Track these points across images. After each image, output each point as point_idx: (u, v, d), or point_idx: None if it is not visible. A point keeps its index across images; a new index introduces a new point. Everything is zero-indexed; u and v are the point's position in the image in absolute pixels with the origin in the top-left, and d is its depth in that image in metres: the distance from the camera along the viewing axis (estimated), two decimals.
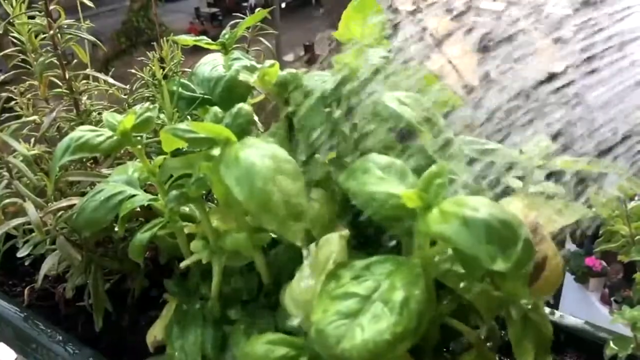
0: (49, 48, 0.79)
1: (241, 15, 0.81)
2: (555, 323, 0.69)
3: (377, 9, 0.62)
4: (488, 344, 0.56)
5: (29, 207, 0.66)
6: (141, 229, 0.61)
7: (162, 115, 0.73)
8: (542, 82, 0.50)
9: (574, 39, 0.48)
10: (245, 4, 10.44)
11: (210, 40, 0.77)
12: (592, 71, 0.47)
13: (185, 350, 0.59)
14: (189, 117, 0.75)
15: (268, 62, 0.65)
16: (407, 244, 0.52)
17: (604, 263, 3.61)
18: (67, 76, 0.80)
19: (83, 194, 0.67)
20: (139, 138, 0.63)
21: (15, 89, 0.80)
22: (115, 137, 0.61)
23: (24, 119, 0.79)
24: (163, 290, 0.67)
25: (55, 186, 0.70)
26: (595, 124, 0.46)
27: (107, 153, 0.73)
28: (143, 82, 0.85)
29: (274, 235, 0.58)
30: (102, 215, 0.61)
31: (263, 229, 0.56)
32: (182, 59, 0.86)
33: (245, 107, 0.59)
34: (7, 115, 0.78)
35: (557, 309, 0.74)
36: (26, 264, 0.76)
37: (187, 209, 0.65)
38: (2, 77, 0.76)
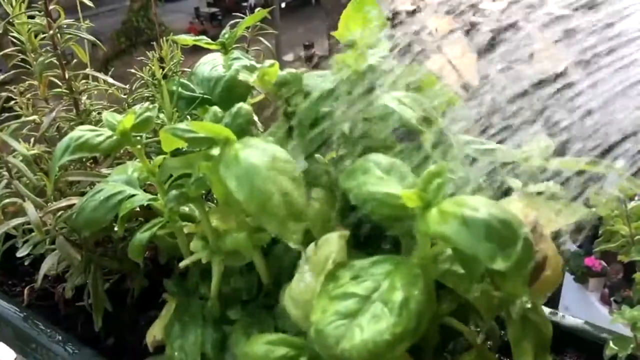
0: (48, 48, 0.79)
1: (241, 15, 0.80)
2: (555, 323, 0.69)
3: (376, 8, 0.62)
4: (488, 344, 0.56)
5: (29, 206, 0.66)
6: (141, 228, 0.61)
7: (161, 115, 0.73)
8: (542, 82, 0.50)
9: (574, 39, 0.48)
10: (245, 4, 10.43)
11: (209, 40, 0.77)
12: (592, 71, 0.47)
13: (185, 350, 0.59)
14: (188, 116, 0.75)
15: (268, 62, 0.65)
16: (406, 244, 0.52)
17: (603, 263, 3.60)
18: (66, 76, 0.80)
19: (83, 194, 0.67)
20: (138, 138, 0.63)
21: (14, 88, 0.80)
22: (114, 137, 0.61)
23: (23, 119, 0.79)
24: (163, 290, 0.67)
25: (54, 186, 0.70)
26: (595, 124, 0.46)
27: (107, 153, 0.73)
28: (143, 81, 0.85)
29: (273, 235, 0.58)
30: (102, 215, 0.61)
31: (263, 228, 0.56)
32: (182, 58, 0.86)
33: (244, 106, 0.59)
34: (6, 115, 0.79)
35: (556, 309, 0.74)
36: (26, 263, 0.76)
37: (186, 208, 0.65)
38: (2, 76, 0.76)
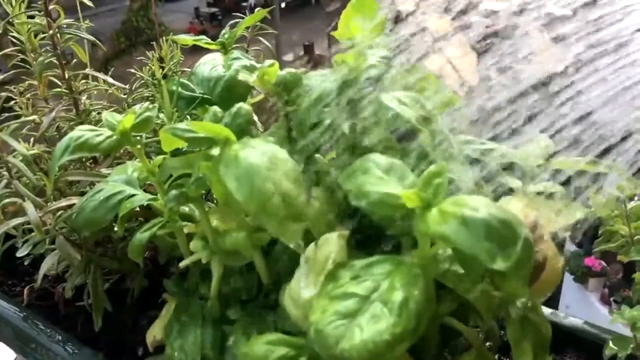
0: (48, 48, 0.79)
1: (241, 15, 0.80)
2: (555, 323, 0.69)
3: (376, 8, 0.62)
4: (487, 344, 0.56)
5: (29, 206, 0.66)
6: (140, 228, 0.61)
7: (161, 115, 0.73)
8: (541, 82, 0.50)
9: (574, 39, 0.48)
10: (244, 4, 10.43)
11: (209, 40, 0.77)
12: (592, 71, 0.47)
13: (185, 350, 0.59)
14: (188, 116, 0.75)
15: (267, 62, 0.65)
16: (406, 244, 0.52)
17: (603, 263, 3.60)
18: (66, 76, 0.80)
19: (82, 194, 0.67)
20: (138, 138, 0.63)
21: (14, 88, 0.80)
22: (114, 137, 0.61)
23: (23, 119, 0.79)
24: (163, 290, 0.67)
25: (54, 186, 0.70)
26: (595, 123, 0.46)
27: (107, 153, 0.73)
28: (142, 81, 0.85)
29: (273, 235, 0.58)
30: (102, 214, 0.61)
31: (262, 228, 0.56)
32: (182, 58, 0.86)
33: (244, 106, 0.59)
34: (6, 114, 0.79)
35: (556, 308, 0.74)
36: (25, 263, 0.76)
37: (186, 208, 0.65)
38: (2, 76, 0.76)
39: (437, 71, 0.60)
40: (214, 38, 0.78)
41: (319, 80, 0.61)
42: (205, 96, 0.70)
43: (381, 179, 0.50)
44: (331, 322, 0.42)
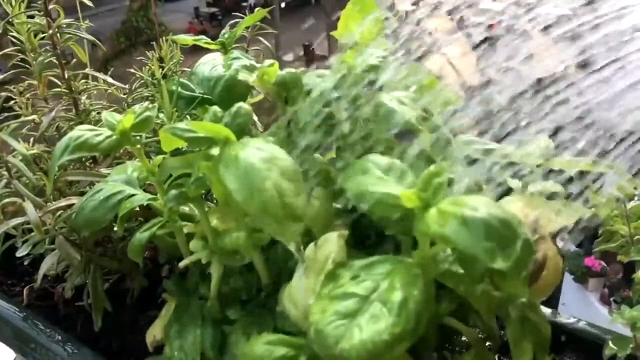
0: (48, 47, 0.79)
1: (240, 15, 0.80)
2: (554, 323, 0.69)
3: (376, 8, 0.62)
4: (487, 344, 0.56)
5: (28, 206, 0.66)
6: (140, 228, 0.61)
7: (161, 115, 0.73)
8: (541, 82, 0.50)
9: (574, 38, 0.48)
10: (244, 4, 10.43)
11: (209, 40, 0.77)
12: (592, 71, 0.47)
13: (185, 350, 0.59)
14: (188, 116, 0.75)
15: (267, 62, 0.65)
16: (406, 244, 0.52)
17: (603, 263, 3.60)
18: (66, 76, 0.80)
19: (82, 194, 0.67)
20: (138, 137, 0.63)
21: (14, 88, 0.80)
22: (114, 137, 0.61)
23: (23, 119, 0.79)
24: (162, 290, 0.67)
25: (54, 186, 0.70)
26: (595, 123, 0.46)
27: (106, 152, 0.73)
28: (142, 81, 0.85)
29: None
30: (101, 214, 0.61)
31: (262, 228, 0.56)
32: (182, 58, 0.86)
33: (244, 106, 0.59)
34: (6, 114, 0.78)
35: (556, 308, 0.74)
36: (25, 263, 0.76)
37: (186, 208, 0.65)
38: (2, 76, 0.76)
39: (437, 71, 0.60)
40: (213, 38, 0.78)
41: (319, 80, 0.61)
42: (205, 96, 0.70)
43: (381, 179, 0.50)
44: (331, 322, 0.42)
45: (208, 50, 0.76)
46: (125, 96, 0.86)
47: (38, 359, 0.70)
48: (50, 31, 0.77)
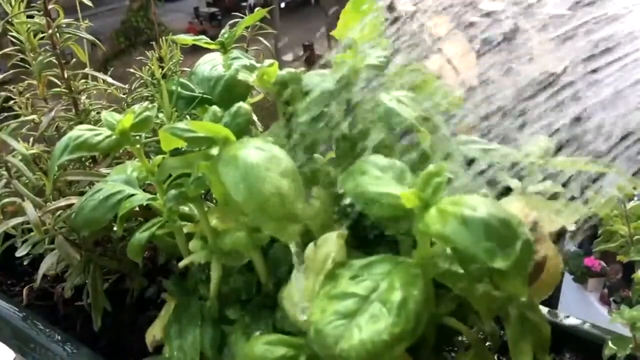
0: (47, 47, 0.79)
1: (240, 15, 0.80)
2: (554, 323, 0.69)
3: (376, 8, 0.62)
4: (487, 344, 0.56)
5: (28, 206, 0.66)
6: (140, 228, 0.61)
7: (161, 115, 0.73)
8: (541, 82, 0.50)
9: (573, 38, 0.48)
10: (244, 4, 10.43)
11: (209, 40, 0.77)
12: (592, 71, 0.46)
13: (184, 349, 0.59)
14: (188, 116, 0.75)
15: (267, 62, 0.65)
16: (405, 244, 0.52)
17: (603, 263, 3.60)
18: (65, 75, 0.80)
19: (82, 194, 0.67)
20: (137, 137, 0.63)
21: (14, 88, 0.80)
22: (114, 137, 0.61)
23: (22, 118, 0.79)
24: (162, 290, 0.67)
25: (54, 185, 0.70)
26: (594, 123, 0.46)
27: (106, 152, 0.73)
28: (142, 81, 0.85)
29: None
30: (101, 214, 0.61)
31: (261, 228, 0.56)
32: (181, 58, 0.86)
33: (244, 106, 0.59)
34: (6, 114, 0.78)
35: (555, 308, 0.74)
36: (25, 263, 0.76)
37: (186, 208, 0.64)
38: (1, 76, 0.76)
39: (437, 71, 0.60)
40: (213, 38, 0.78)
41: (319, 80, 0.61)
42: (204, 96, 0.70)
43: (380, 179, 0.50)
44: (330, 322, 0.42)
45: (208, 50, 0.76)
46: (124, 96, 0.86)
47: (38, 359, 0.70)
48: (50, 31, 0.77)
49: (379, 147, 0.57)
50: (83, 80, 0.82)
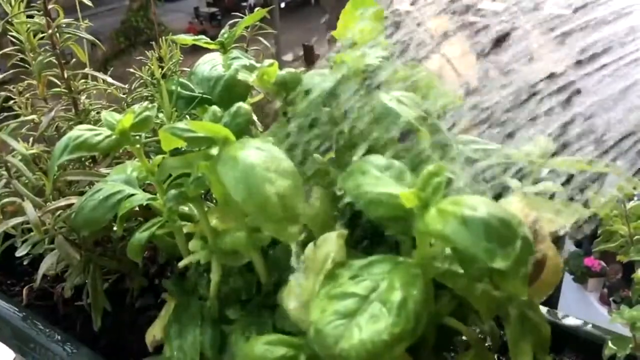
0: (47, 47, 0.78)
1: (240, 14, 0.80)
2: (554, 323, 0.69)
3: (375, 8, 0.62)
4: (487, 344, 0.56)
5: (28, 206, 0.66)
6: (140, 228, 0.61)
7: (160, 115, 0.73)
8: (541, 82, 0.50)
9: (573, 38, 0.48)
10: (244, 4, 10.43)
11: (209, 40, 0.77)
12: (592, 71, 0.47)
13: (184, 349, 0.58)
14: (187, 116, 0.75)
15: (267, 62, 0.65)
16: (405, 244, 0.52)
17: (602, 263, 3.61)
18: (65, 75, 0.80)
19: (82, 193, 0.67)
20: (137, 137, 0.63)
21: (13, 88, 0.80)
22: (113, 137, 0.61)
23: (22, 118, 0.79)
24: (162, 290, 0.67)
25: (53, 185, 0.70)
26: (594, 123, 0.46)
27: (106, 152, 0.73)
28: (142, 81, 0.85)
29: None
30: (101, 214, 0.61)
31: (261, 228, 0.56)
32: (181, 58, 0.85)
33: (244, 106, 0.59)
34: (5, 114, 0.78)
35: (555, 308, 0.74)
36: (25, 263, 0.76)
37: (185, 208, 0.64)
38: (1, 76, 0.76)
39: (437, 71, 0.60)
40: (213, 38, 0.78)
41: (319, 80, 0.61)
42: (204, 96, 0.70)
43: (379, 179, 0.50)
44: (330, 321, 0.42)
45: (208, 50, 0.76)
46: (124, 96, 0.86)
47: (37, 359, 0.70)
48: (50, 31, 0.77)
49: (379, 147, 0.57)
50: (83, 80, 0.82)
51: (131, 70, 0.85)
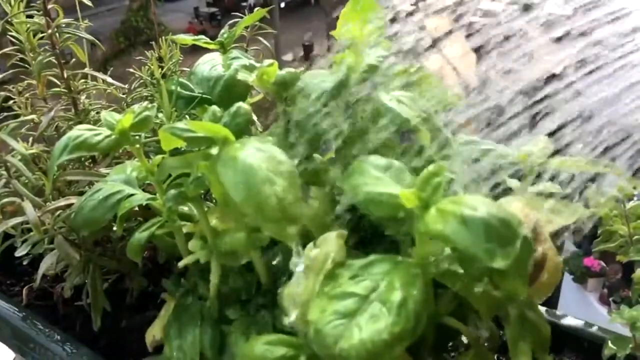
0: (47, 47, 0.78)
1: (240, 14, 0.80)
2: (554, 323, 0.69)
3: (375, 8, 0.62)
4: (486, 344, 0.56)
5: (27, 206, 0.66)
6: (139, 228, 0.61)
7: (160, 115, 0.73)
8: (540, 83, 0.50)
9: (573, 39, 0.48)
10: (244, 4, 10.43)
11: (208, 40, 0.77)
12: (591, 71, 0.47)
13: (184, 349, 0.58)
14: (187, 116, 0.75)
15: (267, 62, 0.65)
16: (405, 244, 0.52)
17: (602, 263, 3.61)
18: (65, 75, 0.79)
19: (81, 193, 0.67)
20: (137, 137, 0.63)
21: (13, 88, 0.80)
22: (113, 136, 0.60)
23: (22, 118, 0.79)
24: (162, 290, 0.67)
25: (53, 185, 0.70)
26: (594, 124, 0.46)
27: (106, 152, 0.73)
28: (141, 81, 0.85)
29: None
30: (101, 214, 0.61)
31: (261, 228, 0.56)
32: (181, 58, 0.85)
33: (243, 106, 0.59)
34: (5, 114, 0.78)
35: (555, 309, 0.74)
36: (24, 263, 0.76)
37: (185, 208, 0.64)
38: (1, 76, 0.76)
39: (437, 71, 0.60)
40: (213, 38, 0.78)
41: (318, 80, 0.61)
42: (204, 96, 0.70)
43: (379, 179, 0.50)
44: (330, 321, 0.42)
45: (207, 50, 0.76)
46: (124, 96, 0.86)
47: (37, 359, 0.70)
48: (50, 31, 0.77)
49: (379, 147, 0.57)
50: (82, 80, 0.82)
51: (131, 70, 0.85)
